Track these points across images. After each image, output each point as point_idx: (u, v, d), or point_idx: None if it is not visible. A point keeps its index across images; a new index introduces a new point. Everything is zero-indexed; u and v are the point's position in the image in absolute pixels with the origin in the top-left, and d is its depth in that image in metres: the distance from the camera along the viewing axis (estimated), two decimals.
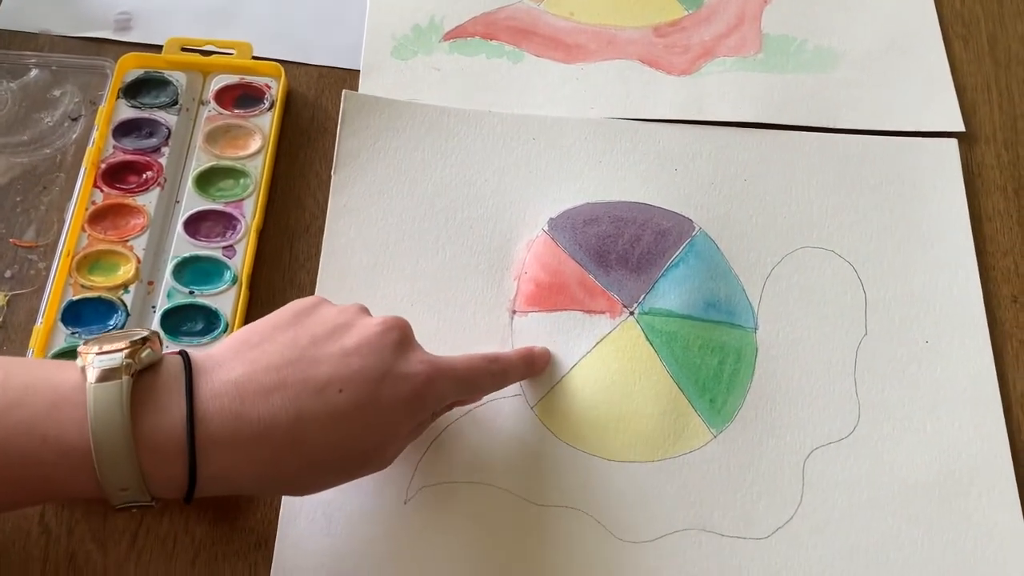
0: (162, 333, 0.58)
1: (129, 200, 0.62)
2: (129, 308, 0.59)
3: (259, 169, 0.64)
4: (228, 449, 0.43)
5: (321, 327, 0.48)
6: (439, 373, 0.50)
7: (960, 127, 0.69)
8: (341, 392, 0.45)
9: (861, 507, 0.57)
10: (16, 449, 0.41)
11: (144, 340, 0.44)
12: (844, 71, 0.71)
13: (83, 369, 0.43)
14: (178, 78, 0.67)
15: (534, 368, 0.58)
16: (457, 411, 0.58)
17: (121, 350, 0.43)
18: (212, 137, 0.65)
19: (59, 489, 0.43)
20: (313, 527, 0.55)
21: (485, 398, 0.58)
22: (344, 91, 0.68)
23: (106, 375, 0.42)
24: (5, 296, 0.60)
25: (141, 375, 0.43)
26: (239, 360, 0.45)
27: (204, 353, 0.46)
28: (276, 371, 0.45)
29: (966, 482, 0.58)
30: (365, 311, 0.50)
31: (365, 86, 0.69)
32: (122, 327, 0.58)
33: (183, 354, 0.45)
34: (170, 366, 0.45)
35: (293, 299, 0.61)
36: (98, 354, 0.43)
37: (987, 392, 0.61)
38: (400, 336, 0.49)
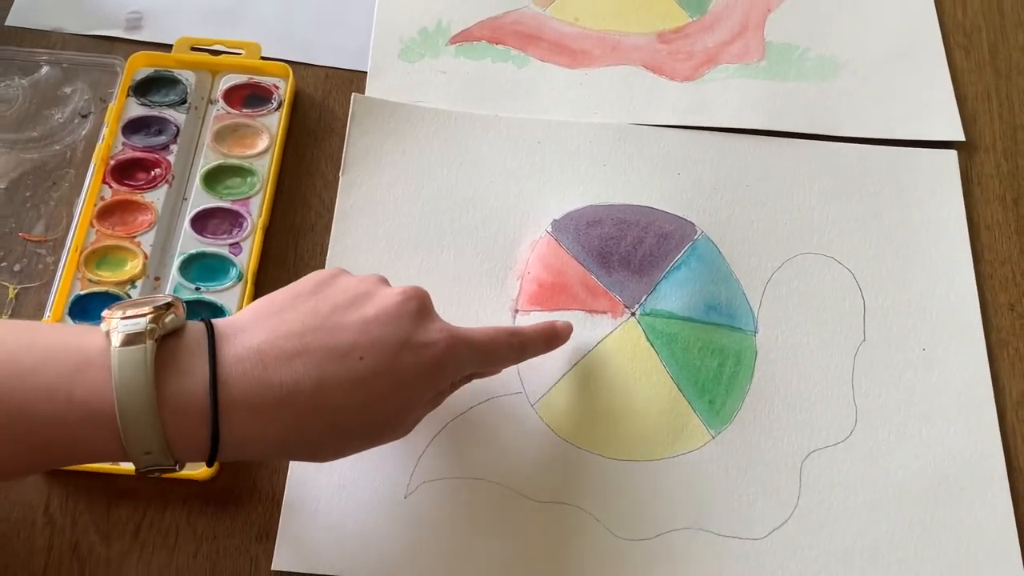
0: None
1: (137, 196, 0.63)
2: None
3: (266, 168, 0.65)
4: (251, 413, 0.44)
5: (342, 296, 0.48)
6: (458, 342, 0.50)
7: (960, 136, 0.70)
8: (362, 359, 0.46)
9: (857, 510, 0.58)
10: (42, 410, 0.41)
11: (168, 306, 0.44)
12: (846, 80, 0.72)
13: (107, 333, 0.43)
14: (187, 77, 0.67)
15: (554, 343, 0.57)
16: (459, 408, 0.58)
17: (145, 315, 0.43)
18: (220, 136, 0.66)
19: (84, 451, 0.43)
20: (314, 521, 0.56)
21: (487, 396, 0.58)
22: (353, 94, 0.68)
23: (130, 339, 0.42)
24: (14, 289, 0.61)
25: (165, 340, 0.43)
26: (261, 326, 0.46)
27: (226, 320, 0.47)
28: (298, 337, 0.45)
29: (960, 487, 0.58)
30: (384, 281, 0.51)
31: (372, 88, 0.70)
32: None
33: (206, 321, 0.46)
34: (193, 331, 0.45)
35: None
36: (122, 319, 0.43)
37: (982, 399, 0.61)
38: (419, 305, 0.49)
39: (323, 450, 0.48)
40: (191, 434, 0.43)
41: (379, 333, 0.47)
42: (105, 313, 0.44)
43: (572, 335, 0.58)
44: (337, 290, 0.48)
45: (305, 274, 0.62)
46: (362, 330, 0.46)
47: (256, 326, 0.46)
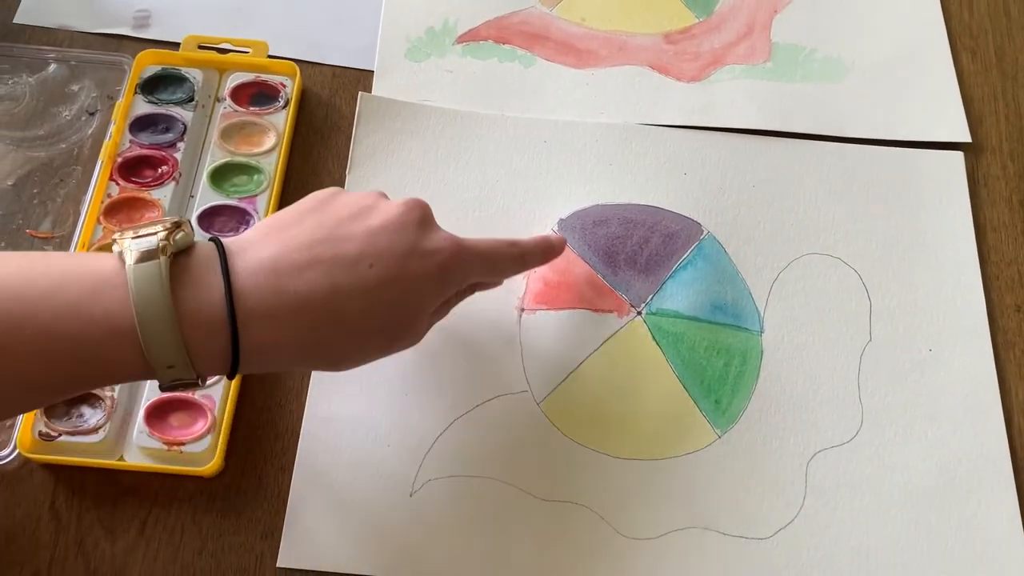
0: None
1: (144, 194, 0.63)
2: None
3: (273, 166, 0.65)
4: (269, 321, 0.45)
5: (345, 209, 0.49)
6: (463, 249, 0.51)
7: (967, 138, 0.70)
8: (372, 267, 0.47)
9: (862, 511, 0.58)
10: (65, 328, 0.42)
11: (177, 224, 0.45)
12: (852, 81, 0.72)
13: (120, 254, 0.44)
14: (195, 75, 0.67)
15: (550, 254, 0.58)
16: (464, 406, 0.59)
17: (156, 233, 0.44)
18: (227, 133, 0.66)
19: (109, 369, 0.44)
20: (320, 518, 0.56)
21: (492, 394, 0.58)
22: (360, 93, 0.69)
23: (144, 256, 0.43)
24: None
25: (176, 257, 0.44)
26: (270, 241, 0.47)
27: (234, 238, 0.47)
28: (308, 249, 0.46)
29: (966, 489, 0.58)
30: (384, 196, 0.51)
31: (378, 87, 0.70)
32: None
33: (215, 239, 0.46)
34: (204, 248, 0.45)
35: None
36: (134, 238, 0.44)
37: (988, 400, 0.61)
38: (421, 215, 0.50)
39: (340, 356, 0.49)
40: (211, 345, 0.44)
41: (386, 241, 0.48)
42: (115, 236, 0.45)
43: (579, 333, 0.58)
44: (340, 204, 0.49)
45: None
46: (369, 240, 0.48)
47: (265, 241, 0.47)
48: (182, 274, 0.44)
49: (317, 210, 0.49)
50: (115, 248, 0.44)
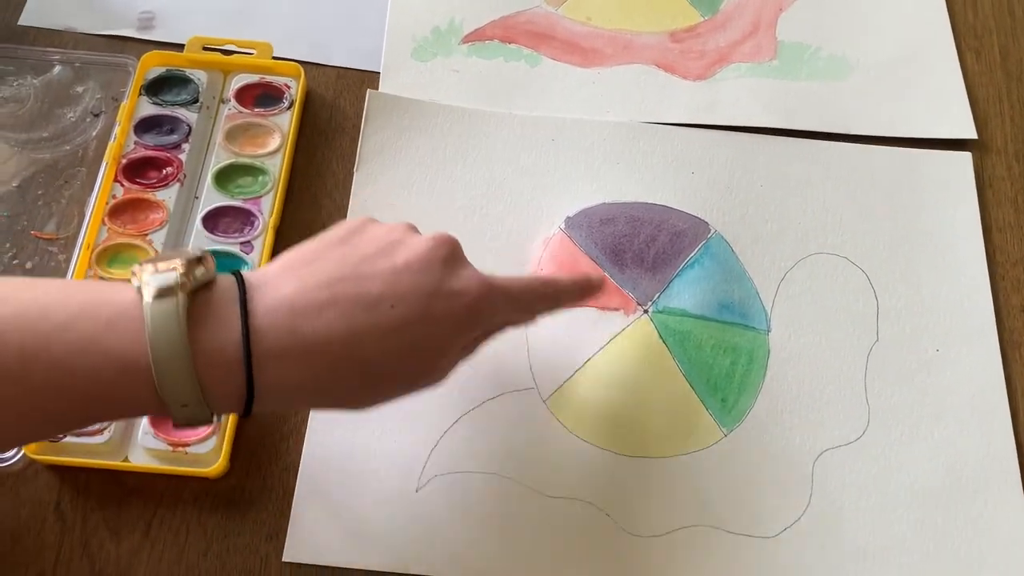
0: None
1: (149, 195, 0.63)
2: None
3: (277, 167, 0.65)
4: (284, 362, 0.44)
5: (371, 244, 0.48)
6: (492, 290, 0.49)
7: (972, 134, 0.70)
8: (393, 308, 0.45)
9: (869, 509, 0.58)
10: (78, 363, 0.41)
11: (198, 259, 0.44)
12: (857, 79, 0.72)
13: (139, 288, 0.43)
14: (199, 76, 0.67)
15: (589, 292, 0.56)
16: (471, 403, 0.58)
17: (175, 269, 0.43)
18: (232, 135, 0.66)
19: (122, 405, 0.43)
20: (326, 513, 0.56)
21: (499, 391, 0.58)
22: (368, 90, 0.69)
23: (162, 292, 0.42)
24: None
25: (196, 293, 0.43)
26: (291, 277, 0.45)
27: (256, 272, 0.46)
28: (328, 288, 0.45)
29: (972, 489, 0.58)
30: (413, 229, 0.50)
31: (385, 87, 0.70)
32: None
33: (236, 273, 0.45)
34: (224, 284, 0.45)
35: None
36: (153, 273, 0.43)
37: (995, 400, 0.61)
38: (450, 252, 0.49)
39: (357, 398, 0.48)
40: (226, 385, 0.43)
41: (409, 281, 0.46)
42: (134, 268, 0.44)
43: (585, 331, 0.58)
44: (366, 239, 0.48)
45: None
46: (392, 279, 0.46)
47: (285, 277, 0.46)
48: (200, 311, 0.43)
49: (343, 243, 0.48)
50: (133, 281, 0.43)
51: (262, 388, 0.43)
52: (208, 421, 0.44)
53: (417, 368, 0.48)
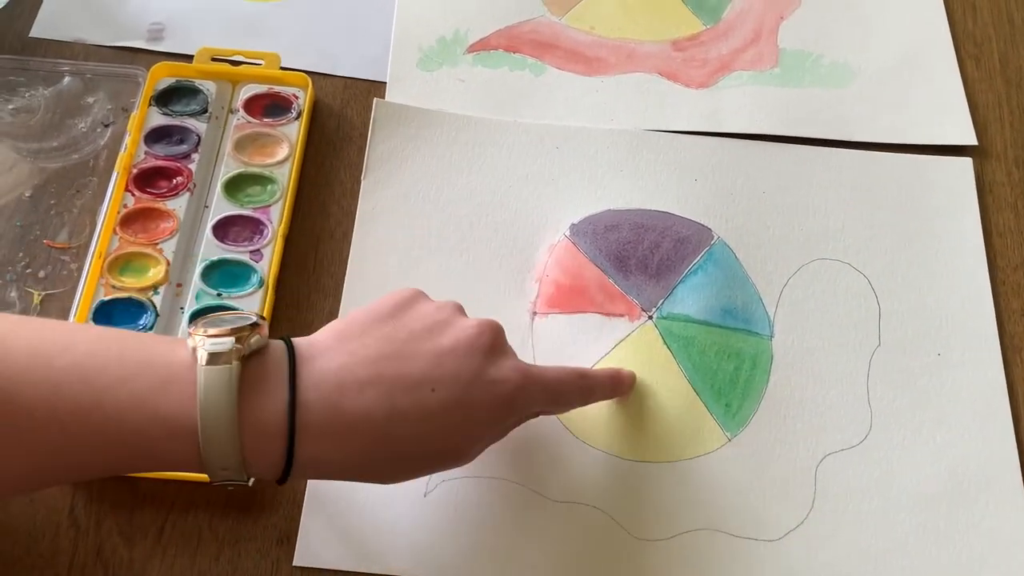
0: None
1: (159, 204, 0.64)
2: (158, 309, 0.60)
3: (286, 176, 0.65)
4: (324, 438, 0.44)
5: (419, 323, 0.48)
6: (529, 381, 0.50)
7: (973, 140, 0.70)
8: (434, 391, 0.46)
9: (871, 514, 0.58)
10: (130, 420, 0.42)
11: (253, 326, 0.45)
12: (859, 86, 0.73)
13: (194, 350, 0.44)
14: (208, 87, 0.68)
15: (619, 389, 0.58)
16: None
17: (230, 334, 0.44)
18: (241, 144, 0.66)
19: (163, 461, 0.44)
20: (335, 518, 0.56)
21: None
22: (375, 99, 0.69)
23: (215, 358, 0.43)
24: (39, 295, 0.62)
25: (248, 360, 0.44)
26: (339, 351, 0.46)
27: (306, 341, 0.47)
28: (373, 364, 0.46)
29: (974, 493, 0.59)
30: (461, 310, 0.51)
31: (391, 96, 0.70)
32: (151, 328, 0.60)
33: (286, 341, 0.46)
34: (275, 352, 0.46)
35: (317, 302, 0.62)
36: (208, 336, 0.44)
37: (997, 404, 0.61)
38: (493, 340, 0.49)
39: (388, 475, 0.49)
40: (267, 455, 0.44)
41: (452, 366, 0.47)
42: (191, 329, 0.45)
43: (590, 337, 0.59)
44: (415, 316, 0.49)
45: (325, 280, 0.63)
46: (436, 362, 0.47)
47: (335, 350, 0.46)
48: (250, 378, 0.44)
49: (392, 317, 0.48)
50: (189, 341, 0.44)
51: (299, 461, 0.45)
52: (244, 484, 0.45)
53: (448, 451, 0.49)
